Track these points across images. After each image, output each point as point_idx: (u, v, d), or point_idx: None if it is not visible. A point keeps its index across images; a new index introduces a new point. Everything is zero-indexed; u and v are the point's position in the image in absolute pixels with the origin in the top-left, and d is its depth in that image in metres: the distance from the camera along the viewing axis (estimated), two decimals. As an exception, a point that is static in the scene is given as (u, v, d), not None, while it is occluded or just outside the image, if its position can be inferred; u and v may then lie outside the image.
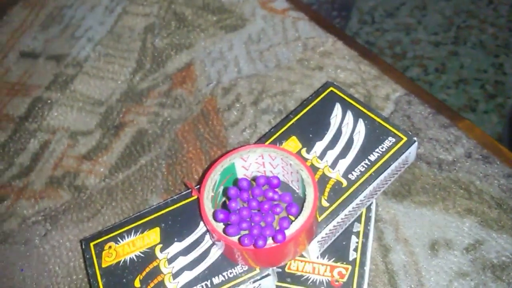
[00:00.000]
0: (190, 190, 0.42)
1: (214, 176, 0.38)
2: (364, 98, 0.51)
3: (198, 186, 0.41)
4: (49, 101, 0.58)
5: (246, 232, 0.34)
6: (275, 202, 0.36)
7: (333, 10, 1.36)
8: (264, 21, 0.59)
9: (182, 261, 0.38)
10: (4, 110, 0.58)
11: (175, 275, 0.38)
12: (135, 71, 0.58)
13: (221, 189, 0.39)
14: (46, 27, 0.64)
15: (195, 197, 0.41)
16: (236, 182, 0.37)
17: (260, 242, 0.33)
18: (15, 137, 0.56)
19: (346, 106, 0.44)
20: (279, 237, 0.33)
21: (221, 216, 0.34)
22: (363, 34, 1.35)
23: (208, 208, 0.36)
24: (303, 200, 0.35)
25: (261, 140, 0.43)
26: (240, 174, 0.40)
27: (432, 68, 1.25)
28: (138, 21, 0.62)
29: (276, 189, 0.36)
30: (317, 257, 0.39)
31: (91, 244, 0.42)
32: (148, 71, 0.57)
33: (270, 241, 0.34)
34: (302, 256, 0.39)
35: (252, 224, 0.34)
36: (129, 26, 0.61)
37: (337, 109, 0.44)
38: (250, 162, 0.39)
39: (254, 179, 0.37)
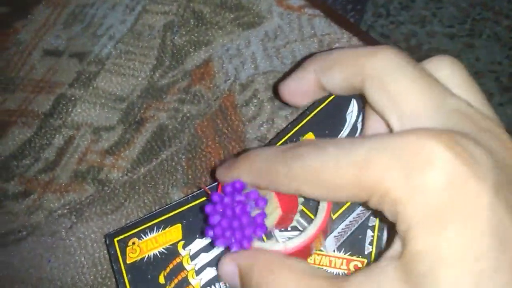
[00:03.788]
0: (211, 185, 0.43)
1: None
2: (379, 94, 0.52)
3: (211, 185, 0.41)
4: (72, 98, 0.59)
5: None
6: (246, 202, 0.35)
7: (348, 3, 1.36)
8: (280, 18, 0.59)
9: (205, 257, 0.39)
10: (30, 106, 0.60)
11: (198, 272, 0.39)
12: (155, 68, 0.59)
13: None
14: (68, 25, 0.65)
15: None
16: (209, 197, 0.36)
17: (245, 243, 0.33)
18: (41, 133, 0.58)
19: (361, 103, 0.45)
20: (258, 232, 0.33)
21: (210, 233, 0.34)
22: (378, 27, 1.35)
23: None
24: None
25: (279, 136, 0.45)
26: None
27: (448, 61, 1.25)
28: (157, 19, 0.63)
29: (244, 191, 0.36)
30: (334, 251, 0.41)
31: (115, 240, 0.42)
32: (167, 68, 0.59)
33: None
34: (319, 250, 0.41)
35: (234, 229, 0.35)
36: (149, 24, 0.63)
37: (353, 105, 0.45)
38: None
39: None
